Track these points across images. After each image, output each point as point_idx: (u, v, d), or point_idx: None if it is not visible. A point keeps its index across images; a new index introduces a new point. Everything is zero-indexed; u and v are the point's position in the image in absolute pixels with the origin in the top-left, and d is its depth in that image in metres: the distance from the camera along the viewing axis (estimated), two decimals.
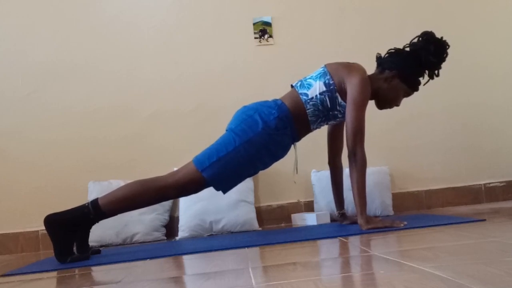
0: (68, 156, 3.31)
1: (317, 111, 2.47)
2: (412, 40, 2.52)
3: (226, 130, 2.46)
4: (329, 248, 1.92)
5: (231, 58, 3.45)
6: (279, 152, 2.44)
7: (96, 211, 2.25)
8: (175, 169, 3.19)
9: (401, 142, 3.48)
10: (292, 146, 2.55)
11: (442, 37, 2.47)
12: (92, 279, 1.71)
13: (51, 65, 3.35)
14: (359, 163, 2.36)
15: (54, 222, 2.20)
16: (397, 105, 2.60)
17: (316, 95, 2.45)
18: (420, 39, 2.48)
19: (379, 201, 3.17)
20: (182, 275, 1.62)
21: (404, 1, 3.57)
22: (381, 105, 2.61)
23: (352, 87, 2.41)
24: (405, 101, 2.64)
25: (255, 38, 3.46)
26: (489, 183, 3.49)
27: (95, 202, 2.27)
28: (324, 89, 2.45)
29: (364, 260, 1.51)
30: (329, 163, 2.81)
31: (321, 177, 3.24)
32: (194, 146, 3.27)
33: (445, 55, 2.48)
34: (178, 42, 3.44)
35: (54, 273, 1.95)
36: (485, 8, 3.63)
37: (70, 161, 3.30)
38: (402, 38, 3.32)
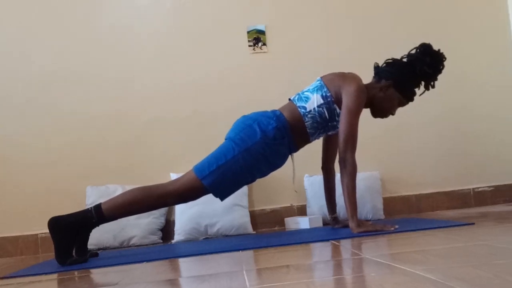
0: (66, 161, 3.33)
1: (316, 123, 2.50)
2: (410, 51, 2.55)
3: (225, 139, 2.49)
4: (321, 251, 1.93)
5: (226, 66, 3.47)
6: (276, 161, 2.47)
7: (98, 215, 2.30)
8: (172, 174, 3.24)
9: (392, 148, 3.51)
10: (290, 156, 2.58)
11: (439, 50, 2.51)
12: (90, 281, 1.73)
13: (50, 72, 3.38)
14: (348, 168, 2.38)
15: (57, 224, 2.24)
16: (392, 114, 2.63)
17: (314, 108, 2.49)
18: (417, 50, 2.52)
19: (370, 205, 3.20)
20: (178, 277, 1.63)
21: (395, 9, 3.61)
22: (376, 114, 2.65)
23: (347, 94, 2.44)
24: None
25: (249, 46, 3.48)
26: (478, 188, 3.53)
27: (98, 207, 2.32)
28: (322, 101, 2.49)
29: (355, 263, 1.53)
30: (322, 168, 2.84)
31: (313, 182, 3.27)
32: (189, 152, 3.33)
33: (441, 67, 2.51)
34: (174, 50, 3.46)
35: (53, 276, 1.97)
36: (474, 18, 3.67)
37: (68, 166, 3.32)
38: (394, 46, 3.36)
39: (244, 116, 2.54)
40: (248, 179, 2.48)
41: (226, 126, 3.20)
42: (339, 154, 2.43)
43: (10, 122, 3.33)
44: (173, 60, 3.46)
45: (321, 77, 2.58)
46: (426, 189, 3.51)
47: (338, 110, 2.49)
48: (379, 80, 2.58)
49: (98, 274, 1.89)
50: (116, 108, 3.39)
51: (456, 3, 3.67)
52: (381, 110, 2.61)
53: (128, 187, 3.13)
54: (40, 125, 3.34)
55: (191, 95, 3.44)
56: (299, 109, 2.51)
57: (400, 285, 1.12)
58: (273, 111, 2.52)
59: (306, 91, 2.56)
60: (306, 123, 2.50)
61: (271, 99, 3.37)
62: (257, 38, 3.49)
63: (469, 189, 3.53)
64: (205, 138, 3.36)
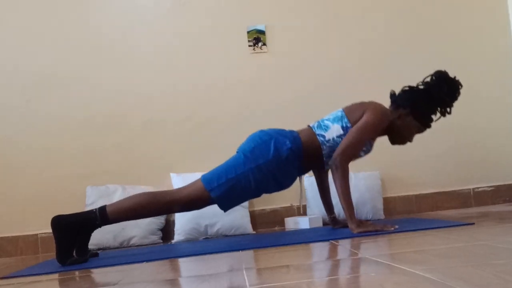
0: (66, 161, 3.33)
1: (333, 153, 2.49)
2: (425, 78, 2.55)
3: (237, 151, 2.49)
4: (321, 251, 1.93)
5: (225, 66, 3.47)
6: (285, 181, 2.48)
7: (102, 217, 2.30)
8: (171, 174, 3.24)
9: (392, 148, 3.49)
10: (298, 178, 2.59)
11: (455, 77, 2.51)
12: (91, 281, 1.73)
13: (49, 74, 3.38)
14: (340, 171, 2.38)
15: (59, 223, 2.24)
16: (410, 141, 2.64)
17: (333, 138, 2.49)
18: (433, 77, 2.52)
19: (370, 205, 3.21)
20: (178, 277, 1.64)
21: (395, 9, 3.61)
22: (394, 141, 2.66)
23: (369, 112, 2.45)
24: None
25: (249, 46, 3.48)
26: (478, 188, 3.54)
27: (103, 209, 2.32)
28: (341, 132, 2.49)
29: (355, 263, 1.53)
30: (314, 171, 2.84)
31: (313, 182, 3.26)
32: (189, 152, 3.34)
33: (457, 94, 2.52)
34: (173, 51, 3.47)
35: (53, 276, 1.97)
36: (474, 18, 3.67)
37: (68, 167, 3.33)
38: (393, 46, 3.36)
39: (261, 131, 2.52)
40: (254, 194, 2.48)
41: (226, 126, 3.21)
42: (333, 156, 2.43)
43: (10, 122, 3.33)
44: (172, 60, 3.46)
45: (343, 108, 2.57)
46: (426, 189, 3.51)
47: None
48: (396, 108, 2.59)
49: (98, 274, 1.89)
50: (116, 108, 3.40)
51: (456, 3, 3.66)
52: (400, 138, 2.62)
53: (128, 187, 3.14)
54: (40, 126, 3.35)
55: (191, 95, 3.44)
56: (318, 137, 2.51)
57: (400, 285, 1.12)
58: (291, 132, 2.52)
59: (326, 120, 2.56)
60: (323, 152, 2.51)
61: (271, 99, 3.39)
62: (257, 38, 3.49)
63: (469, 189, 3.53)
64: (205, 138, 3.37)
